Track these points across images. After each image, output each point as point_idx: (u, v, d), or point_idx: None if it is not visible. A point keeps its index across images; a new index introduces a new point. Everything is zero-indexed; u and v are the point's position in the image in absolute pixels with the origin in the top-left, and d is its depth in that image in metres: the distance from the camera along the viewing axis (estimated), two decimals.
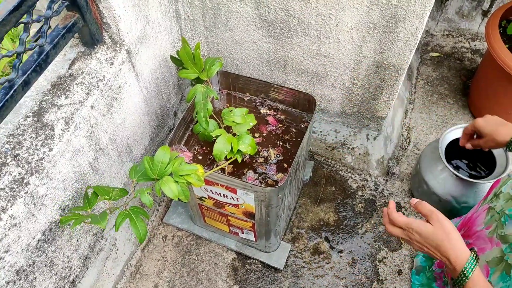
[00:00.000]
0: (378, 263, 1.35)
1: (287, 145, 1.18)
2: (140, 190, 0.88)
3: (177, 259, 1.37)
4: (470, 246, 0.94)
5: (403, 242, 0.91)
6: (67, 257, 1.09)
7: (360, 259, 1.36)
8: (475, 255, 0.78)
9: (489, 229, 0.91)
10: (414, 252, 1.36)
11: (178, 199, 0.89)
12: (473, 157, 1.36)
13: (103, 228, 0.85)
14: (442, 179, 1.27)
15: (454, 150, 1.31)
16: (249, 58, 1.39)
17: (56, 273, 1.06)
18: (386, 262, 1.35)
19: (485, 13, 1.85)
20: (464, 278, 0.76)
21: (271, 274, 1.33)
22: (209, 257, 1.36)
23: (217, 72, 1.13)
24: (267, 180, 1.11)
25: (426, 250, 0.83)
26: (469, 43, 1.92)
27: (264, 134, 1.20)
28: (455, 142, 1.28)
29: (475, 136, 1.16)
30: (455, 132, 1.30)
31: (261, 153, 1.16)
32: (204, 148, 1.18)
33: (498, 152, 1.25)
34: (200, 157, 1.16)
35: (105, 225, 0.85)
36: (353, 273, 1.33)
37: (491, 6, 1.81)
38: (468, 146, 1.17)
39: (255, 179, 1.10)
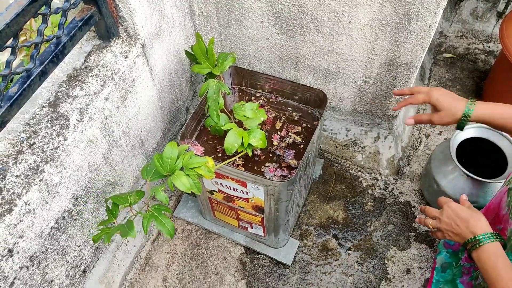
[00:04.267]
0: (386, 262, 1.35)
1: (297, 141, 1.19)
2: (154, 188, 0.90)
3: (186, 252, 1.38)
4: (502, 231, 0.94)
5: (431, 227, 0.95)
6: (79, 246, 1.10)
7: (369, 257, 1.36)
8: (498, 234, 0.83)
9: (510, 210, 0.91)
10: (423, 251, 1.36)
11: (191, 192, 0.91)
12: (484, 157, 1.35)
13: (134, 237, 0.87)
14: (453, 178, 1.27)
15: (465, 150, 1.30)
16: (262, 55, 1.40)
17: (68, 262, 1.08)
18: (394, 260, 1.35)
19: (500, 15, 1.84)
20: (473, 244, 0.82)
21: (279, 270, 1.34)
22: (218, 251, 1.38)
23: (229, 67, 1.15)
24: (280, 162, 1.13)
25: (453, 226, 0.88)
26: (483, 44, 1.91)
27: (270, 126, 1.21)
28: (466, 142, 1.28)
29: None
30: (467, 132, 1.29)
31: (284, 140, 1.19)
32: (216, 142, 1.19)
33: (509, 151, 1.24)
34: (214, 154, 1.17)
35: (135, 234, 0.86)
36: (361, 271, 1.33)
37: (506, 7, 1.80)
38: (410, 121, 1.02)
39: (275, 168, 1.11)
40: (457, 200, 1.27)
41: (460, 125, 0.95)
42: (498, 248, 0.80)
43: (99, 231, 0.91)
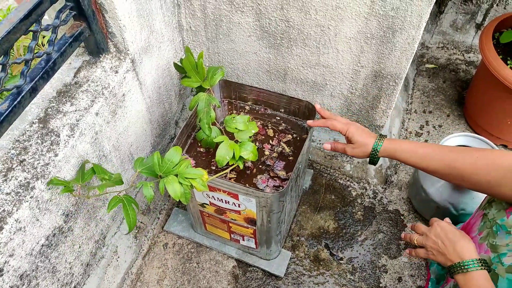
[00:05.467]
0: (378, 270, 1.36)
1: (287, 153, 1.20)
2: (143, 182, 0.90)
3: (177, 267, 1.37)
4: None
5: (416, 242, 0.96)
6: (69, 263, 1.09)
7: (360, 266, 1.37)
8: (484, 261, 0.83)
9: (480, 235, 0.92)
10: (413, 259, 1.37)
11: (178, 201, 0.91)
12: None
13: (100, 192, 0.87)
14: (440, 186, 1.30)
15: None
16: (250, 68, 1.42)
17: (58, 279, 1.06)
18: (386, 269, 1.36)
19: (478, 26, 1.90)
20: (460, 268, 0.83)
21: (272, 282, 1.34)
22: (210, 265, 1.37)
23: (218, 81, 1.16)
24: (269, 172, 1.15)
25: (439, 244, 0.89)
26: (463, 55, 1.97)
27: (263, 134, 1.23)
28: None
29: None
30: (452, 141, 1.33)
31: (274, 149, 1.21)
32: (207, 155, 1.20)
33: None
34: (205, 167, 1.18)
35: (103, 190, 0.86)
36: (354, 280, 1.34)
37: (484, 19, 1.86)
38: (327, 147, 1.10)
39: (267, 179, 1.12)
40: (445, 209, 1.31)
41: (371, 159, 1.02)
42: (485, 277, 0.81)
43: (61, 180, 0.90)
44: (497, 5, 1.80)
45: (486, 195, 1.05)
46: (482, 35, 1.50)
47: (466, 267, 0.82)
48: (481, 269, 0.82)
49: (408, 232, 1.00)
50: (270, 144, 1.21)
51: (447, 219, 0.99)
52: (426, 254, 0.94)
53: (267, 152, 1.19)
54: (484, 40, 1.48)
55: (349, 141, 1.05)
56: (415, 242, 0.97)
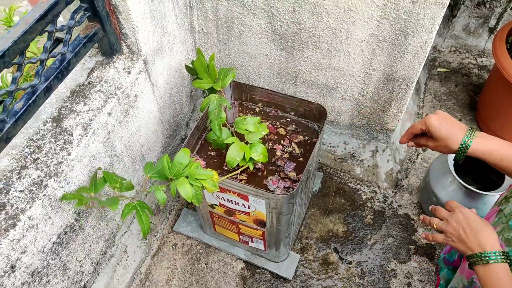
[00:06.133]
0: (387, 275, 1.35)
1: (297, 154, 1.20)
2: (154, 186, 0.90)
3: (186, 267, 1.37)
4: None
5: (436, 227, 0.92)
6: (80, 261, 1.10)
7: (369, 270, 1.36)
8: (506, 254, 0.80)
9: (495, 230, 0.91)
10: (423, 263, 1.36)
11: (190, 202, 0.92)
12: (482, 169, 1.37)
13: (114, 211, 0.87)
14: (452, 191, 1.28)
15: (462, 163, 1.32)
16: (261, 70, 1.43)
17: (69, 277, 1.07)
18: (395, 274, 1.35)
19: (491, 30, 1.88)
20: (481, 259, 0.79)
21: (280, 284, 1.34)
22: (218, 266, 1.37)
23: (230, 82, 1.16)
24: (280, 173, 1.15)
25: (460, 232, 0.84)
26: (476, 59, 1.95)
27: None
28: None
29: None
30: None
31: (285, 149, 1.21)
32: (218, 158, 1.20)
33: None
34: (215, 168, 1.18)
35: (116, 208, 0.86)
36: (362, 285, 1.33)
37: (497, 23, 1.84)
38: (411, 144, 1.01)
39: (278, 180, 1.12)
40: None
41: (457, 157, 0.89)
42: (506, 270, 0.78)
43: (74, 194, 0.90)
44: (510, 9, 1.79)
45: (501, 193, 1.03)
46: (495, 39, 1.49)
47: (487, 258, 0.79)
48: (503, 262, 0.78)
49: (427, 216, 0.97)
50: (282, 144, 1.22)
51: (473, 210, 0.95)
52: (444, 239, 0.89)
53: (278, 153, 1.20)
54: (498, 44, 1.47)
55: (431, 136, 0.92)
56: (435, 227, 0.92)
